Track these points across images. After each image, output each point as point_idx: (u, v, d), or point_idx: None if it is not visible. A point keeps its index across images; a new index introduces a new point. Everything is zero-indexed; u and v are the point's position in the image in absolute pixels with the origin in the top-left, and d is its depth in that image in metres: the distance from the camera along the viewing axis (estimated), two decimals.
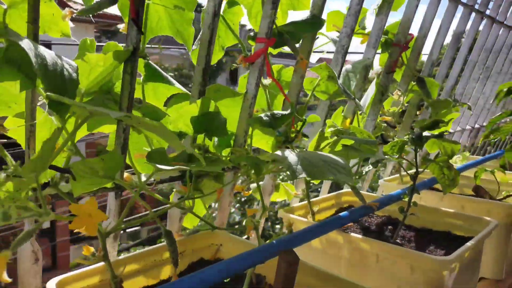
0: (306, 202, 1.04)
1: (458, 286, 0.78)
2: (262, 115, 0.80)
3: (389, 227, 1.04)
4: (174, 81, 0.77)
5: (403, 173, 1.35)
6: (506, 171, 1.45)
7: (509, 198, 1.29)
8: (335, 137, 0.94)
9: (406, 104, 1.31)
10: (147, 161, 0.64)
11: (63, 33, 0.57)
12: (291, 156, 0.68)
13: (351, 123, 1.15)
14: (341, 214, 0.85)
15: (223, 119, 0.68)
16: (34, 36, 0.49)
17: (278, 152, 0.72)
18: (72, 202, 0.56)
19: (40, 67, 0.42)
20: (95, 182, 0.60)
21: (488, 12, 1.53)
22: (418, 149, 0.98)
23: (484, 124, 2.21)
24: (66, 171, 0.56)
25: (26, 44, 0.42)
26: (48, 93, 0.43)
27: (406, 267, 0.76)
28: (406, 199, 0.97)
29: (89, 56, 0.53)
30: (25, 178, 0.51)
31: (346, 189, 1.21)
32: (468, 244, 0.78)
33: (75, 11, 0.56)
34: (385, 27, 1.09)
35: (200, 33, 0.70)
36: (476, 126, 2.12)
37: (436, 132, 1.00)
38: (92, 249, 0.61)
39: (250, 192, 0.92)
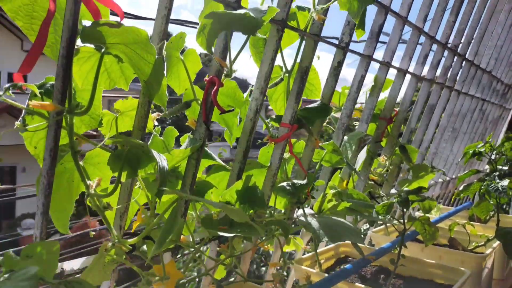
0: (311, 254, 1.21)
1: None
2: (285, 184, 0.99)
3: (382, 276, 1.22)
4: (215, 157, 0.95)
5: (391, 227, 1.54)
6: (474, 223, 1.67)
7: (478, 248, 1.50)
8: (339, 200, 1.13)
9: (391, 167, 1.53)
10: (202, 226, 0.81)
11: (148, 130, 0.75)
12: (314, 222, 0.86)
13: (347, 183, 1.35)
14: (346, 266, 1.02)
15: (262, 193, 0.86)
16: (141, 138, 0.66)
17: (302, 218, 0.90)
18: (153, 264, 0.71)
19: (160, 167, 0.60)
20: (166, 245, 0.75)
21: (455, 86, 1.82)
22: (405, 210, 1.18)
23: (453, 176, 2.48)
24: (149, 238, 0.72)
25: (153, 152, 0.59)
26: (161, 188, 0.60)
27: None
28: (396, 252, 1.16)
29: (175, 151, 0.71)
30: (124, 246, 0.67)
31: (342, 241, 1.39)
32: None
33: (160, 114, 0.74)
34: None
35: (243, 122, 0.89)
36: (447, 178, 2.38)
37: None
38: None
39: (269, 247, 1.08)
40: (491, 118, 2.55)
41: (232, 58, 0.73)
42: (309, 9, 0.89)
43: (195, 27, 0.84)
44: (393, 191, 1.68)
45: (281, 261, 1.01)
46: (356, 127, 1.38)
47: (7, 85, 0.53)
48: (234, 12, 0.58)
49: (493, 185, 1.45)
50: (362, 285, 1.00)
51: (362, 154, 1.43)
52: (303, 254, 1.28)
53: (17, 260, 0.37)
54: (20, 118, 0.63)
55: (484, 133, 2.60)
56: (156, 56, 0.57)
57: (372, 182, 1.54)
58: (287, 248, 1.23)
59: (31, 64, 0.49)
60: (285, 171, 1.07)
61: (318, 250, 1.30)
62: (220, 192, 0.95)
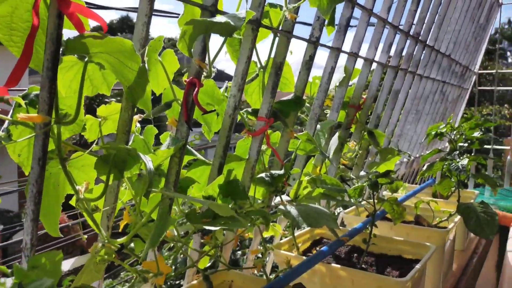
0: (288, 238, 1.28)
1: None
2: (263, 175, 1.03)
3: (355, 254, 1.30)
4: (196, 153, 0.98)
5: (361, 208, 1.63)
6: (437, 200, 1.80)
7: (442, 223, 1.62)
8: (314, 187, 1.19)
9: (360, 151, 1.61)
10: (187, 221, 0.84)
11: (132, 131, 0.77)
12: (293, 210, 0.92)
13: (320, 169, 1.42)
14: (322, 249, 1.09)
15: (243, 186, 0.90)
16: (126, 141, 0.68)
17: (281, 206, 0.95)
18: (142, 261, 0.74)
19: (148, 169, 0.62)
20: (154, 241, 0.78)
21: (417, 71, 1.91)
22: (375, 193, 1.26)
23: (417, 155, 2.62)
24: (138, 236, 0.74)
25: (143, 157, 0.61)
26: (149, 189, 0.63)
27: (375, 287, 1.02)
28: (367, 231, 1.24)
29: (159, 152, 0.73)
30: (113, 246, 0.69)
31: (320, 227, 1.46)
32: (417, 266, 1.06)
33: (142, 115, 0.75)
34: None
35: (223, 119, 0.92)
36: (412, 158, 2.51)
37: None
38: None
39: (250, 234, 1.13)
40: (451, 98, 2.69)
41: (211, 59, 0.76)
42: (281, 7, 0.92)
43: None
44: (362, 173, 1.77)
45: (261, 247, 1.06)
46: (327, 115, 1.44)
47: None
48: (214, 20, 0.60)
49: (454, 164, 1.56)
50: (338, 265, 1.08)
51: (334, 141, 1.50)
52: (281, 238, 1.34)
53: (25, 271, 0.40)
54: (3, 127, 0.64)
55: (445, 113, 2.74)
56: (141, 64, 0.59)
57: (343, 166, 1.62)
58: (265, 234, 1.29)
59: (18, 78, 0.50)
60: (262, 162, 1.12)
61: (296, 234, 1.37)
62: (201, 187, 0.98)
